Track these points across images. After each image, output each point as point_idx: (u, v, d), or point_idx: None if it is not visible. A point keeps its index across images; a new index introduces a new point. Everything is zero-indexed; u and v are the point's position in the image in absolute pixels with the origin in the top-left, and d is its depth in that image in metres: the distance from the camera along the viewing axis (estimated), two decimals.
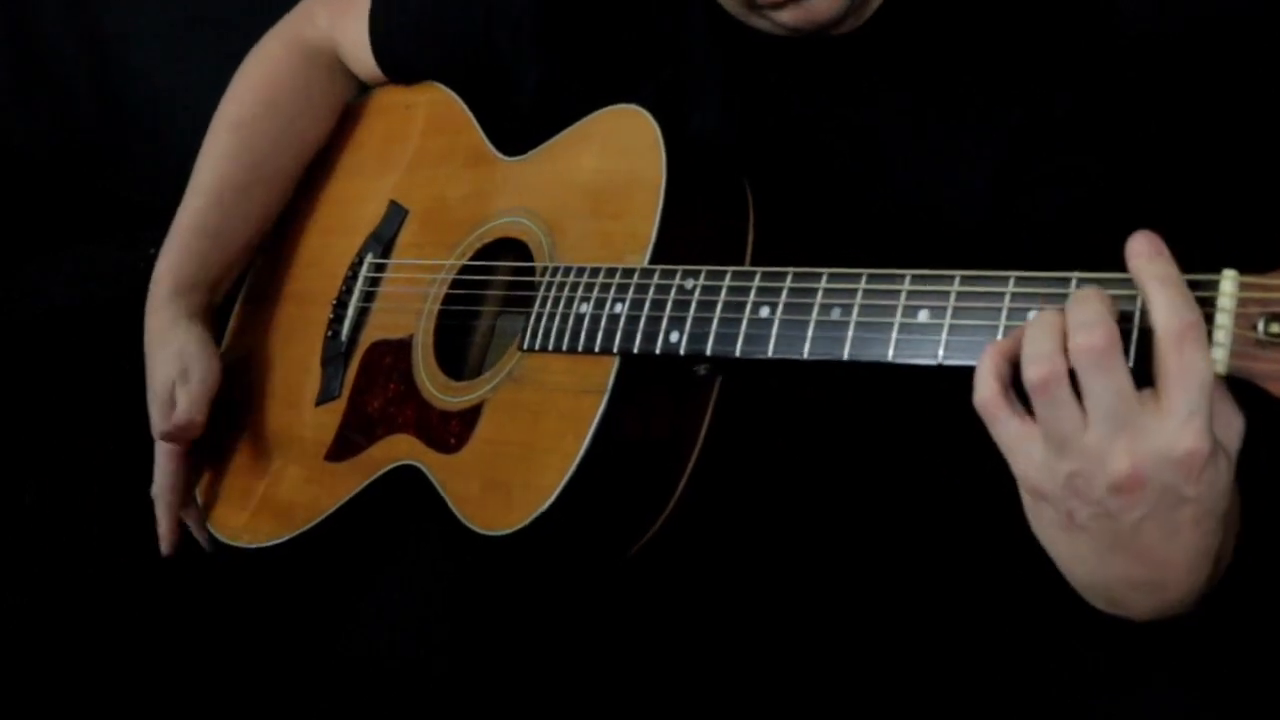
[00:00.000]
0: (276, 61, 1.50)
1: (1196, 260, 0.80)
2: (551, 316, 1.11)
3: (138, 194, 2.05)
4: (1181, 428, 0.77)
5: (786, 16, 1.10)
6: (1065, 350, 0.79)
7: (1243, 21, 1.48)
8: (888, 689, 1.15)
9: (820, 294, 0.94)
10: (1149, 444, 0.78)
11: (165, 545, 1.38)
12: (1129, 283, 0.80)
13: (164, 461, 1.38)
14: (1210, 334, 0.75)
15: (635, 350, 1.04)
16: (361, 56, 1.47)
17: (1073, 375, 0.79)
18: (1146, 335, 0.78)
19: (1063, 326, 0.79)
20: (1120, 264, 0.81)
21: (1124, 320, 0.80)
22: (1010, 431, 0.82)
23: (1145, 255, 0.79)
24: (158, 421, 1.37)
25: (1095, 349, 0.77)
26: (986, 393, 0.82)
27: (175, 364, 1.38)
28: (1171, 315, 0.76)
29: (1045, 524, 0.86)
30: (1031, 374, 0.80)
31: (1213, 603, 0.91)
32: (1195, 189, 1.16)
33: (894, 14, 1.17)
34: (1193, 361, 0.76)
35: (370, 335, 1.33)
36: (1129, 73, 1.15)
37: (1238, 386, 0.78)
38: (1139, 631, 1.11)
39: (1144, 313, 0.79)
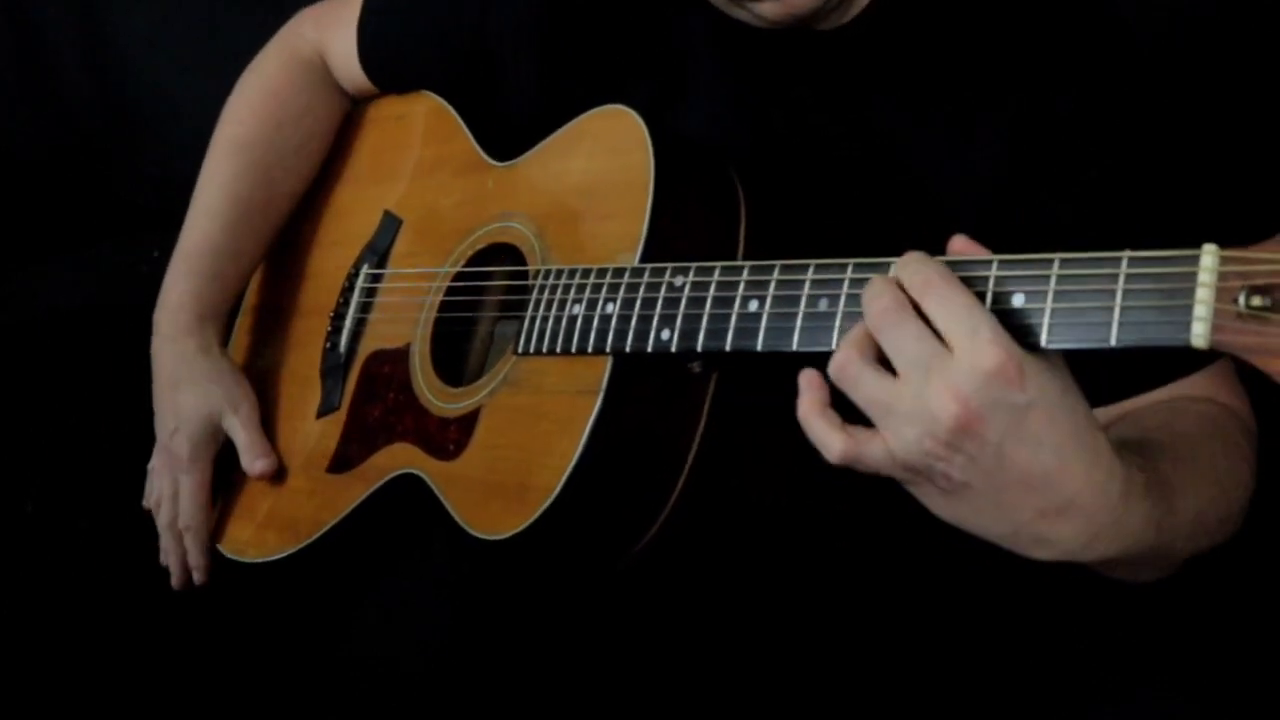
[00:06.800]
0: (274, 78, 1.49)
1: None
2: (545, 319, 1.11)
3: (139, 196, 2.06)
4: (972, 348, 0.80)
5: (766, 8, 1.10)
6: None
7: (1245, 22, 1.47)
8: (887, 694, 1.14)
9: (808, 285, 0.94)
10: (957, 375, 0.80)
11: (200, 575, 1.37)
12: (1108, 261, 0.80)
13: (197, 492, 1.37)
14: (1190, 309, 0.75)
15: (628, 350, 1.04)
16: (349, 67, 1.47)
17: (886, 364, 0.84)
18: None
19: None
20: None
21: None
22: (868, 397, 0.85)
23: None
24: (191, 455, 1.36)
25: (885, 310, 0.83)
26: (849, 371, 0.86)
27: (219, 396, 1.37)
28: (914, 274, 0.83)
29: (940, 505, 0.86)
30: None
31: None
32: (1195, 190, 1.15)
33: (884, 11, 1.16)
34: (946, 297, 0.82)
35: (368, 346, 1.34)
36: (1129, 71, 1.14)
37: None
38: (1140, 635, 1.10)
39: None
